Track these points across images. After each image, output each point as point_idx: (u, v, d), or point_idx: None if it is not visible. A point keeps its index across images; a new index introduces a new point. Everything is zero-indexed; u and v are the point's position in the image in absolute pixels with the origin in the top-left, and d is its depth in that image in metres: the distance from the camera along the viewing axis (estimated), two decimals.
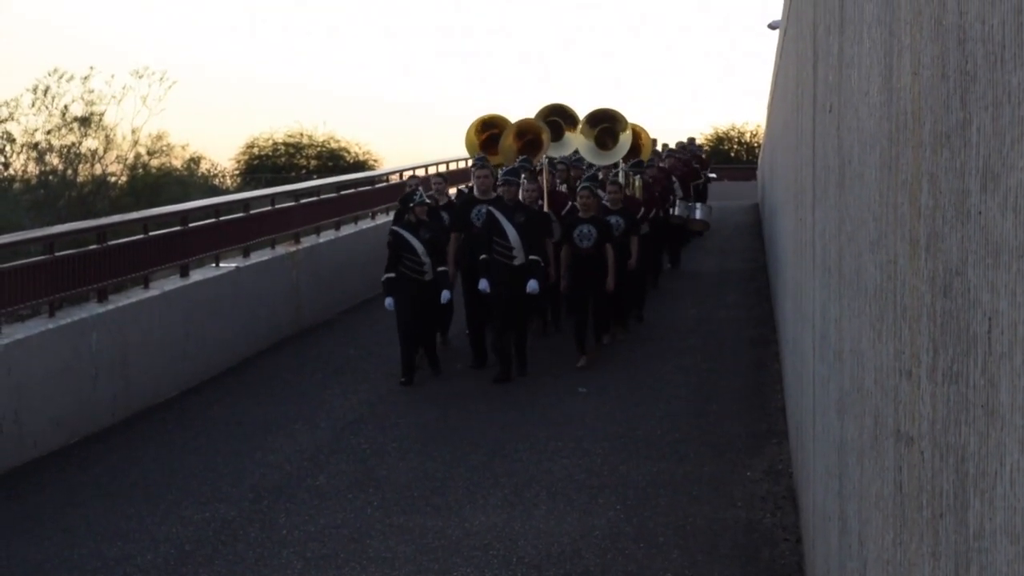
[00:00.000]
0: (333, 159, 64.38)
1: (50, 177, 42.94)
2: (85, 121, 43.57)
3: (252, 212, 20.51)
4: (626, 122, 21.87)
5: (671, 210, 25.82)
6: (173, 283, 17.37)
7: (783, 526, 10.82)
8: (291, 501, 11.91)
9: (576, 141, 21.97)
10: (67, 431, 14.18)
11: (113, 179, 45.12)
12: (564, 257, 17.78)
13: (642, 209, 20.58)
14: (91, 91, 44.06)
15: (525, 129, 21.12)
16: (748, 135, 69.06)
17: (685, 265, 27.48)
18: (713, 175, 37.86)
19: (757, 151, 58.56)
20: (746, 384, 16.39)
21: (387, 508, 11.62)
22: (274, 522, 11.31)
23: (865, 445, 4.80)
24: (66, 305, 15.30)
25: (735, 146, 69.66)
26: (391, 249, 16.91)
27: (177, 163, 51.93)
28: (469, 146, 21.70)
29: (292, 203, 22.31)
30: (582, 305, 17.73)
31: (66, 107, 43.48)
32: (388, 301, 16.82)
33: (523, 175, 18.28)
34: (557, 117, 22.05)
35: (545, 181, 19.33)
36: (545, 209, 18.49)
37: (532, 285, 16.84)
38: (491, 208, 17.31)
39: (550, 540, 10.60)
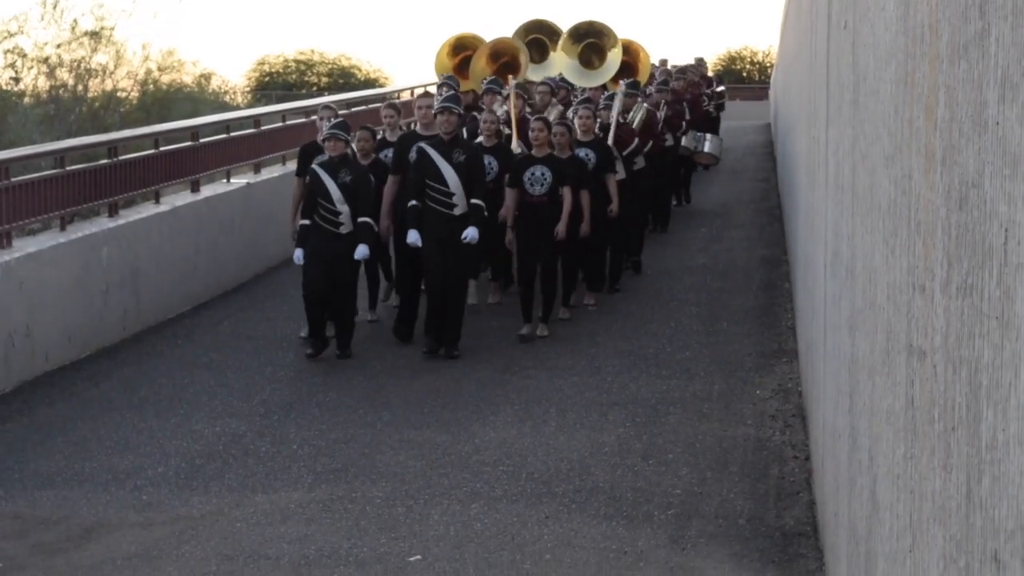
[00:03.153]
0: (344, 77, 64.30)
1: (60, 92, 42.83)
2: (95, 35, 43.38)
3: (263, 128, 20.46)
4: (615, 37, 19.13)
5: (681, 139, 22.31)
6: (184, 198, 17.36)
7: (792, 444, 10.86)
8: (301, 416, 11.96)
9: (559, 60, 19.25)
10: (78, 345, 14.22)
11: (123, 94, 45.02)
12: (509, 203, 14.77)
13: (635, 141, 17.29)
14: (101, 5, 43.82)
15: (500, 50, 18.45)
16: (761, 55, 68.85)
17: (694, 185, 26.56)
18: (721, 87, 35.95)
19: (769, 71, 58.32)
20: (756, 303, 16.39)
21: (397, 423, 11.66)
22: (284, 436, 11.36)
23: (876, 361, 4.80)
24: (77, 219, 15.31)
25: (747, 66, 69.42)
26: (308, 190, 14.27)
27: (188, 79, 51.86)
28: (440, 71, 18.82)
29: (303, 119, 22.25)
30: (530, 270, 14.74)
31: (75, 21, 43.28)
32: (297, 253, 14.10)
33: (484, 100, 16.68)
34: (540, 35, 19.57)
35: (513, 106, 16.54)
36: (514, 140, 16.01)
37: (471, 233, 13.83)
38: (423, 145, 14.20)
39: (559, 456, 10.65)
